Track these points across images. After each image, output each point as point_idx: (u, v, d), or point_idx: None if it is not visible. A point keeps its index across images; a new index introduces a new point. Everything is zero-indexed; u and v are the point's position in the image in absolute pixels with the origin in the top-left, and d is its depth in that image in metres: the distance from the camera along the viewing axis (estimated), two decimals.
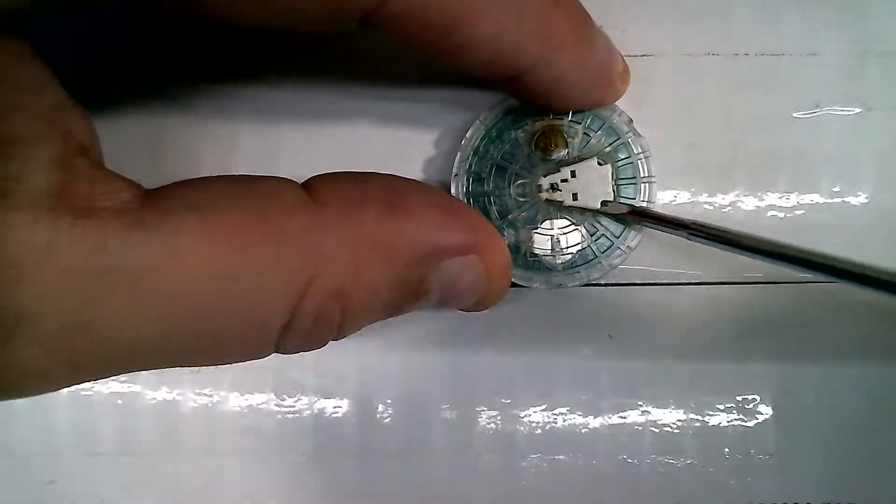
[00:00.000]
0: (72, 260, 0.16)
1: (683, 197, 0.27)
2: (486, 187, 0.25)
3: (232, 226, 0.18)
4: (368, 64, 0.27)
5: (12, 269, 0.16)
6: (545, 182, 0.25)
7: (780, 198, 0.27)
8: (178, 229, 0.17)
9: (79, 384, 0.19)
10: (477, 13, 0.20)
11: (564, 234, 0.25)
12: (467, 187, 0.25)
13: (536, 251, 0.25)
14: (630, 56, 0.26)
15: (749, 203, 0.27)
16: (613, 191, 0.25)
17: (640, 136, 0.25)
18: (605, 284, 0.27)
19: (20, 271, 0.16)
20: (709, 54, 0.27)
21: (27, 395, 0.18)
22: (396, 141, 0.27)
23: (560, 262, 0.25)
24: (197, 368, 0.28)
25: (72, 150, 0.18)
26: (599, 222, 0.25)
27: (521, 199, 0.25)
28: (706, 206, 0.27)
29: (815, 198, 0.27)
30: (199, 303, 0.18)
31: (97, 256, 0.17)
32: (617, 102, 0.25)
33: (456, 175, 0.26)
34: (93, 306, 0.17)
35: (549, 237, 0.25)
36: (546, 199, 0.25)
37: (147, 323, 0.17)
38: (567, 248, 0.25)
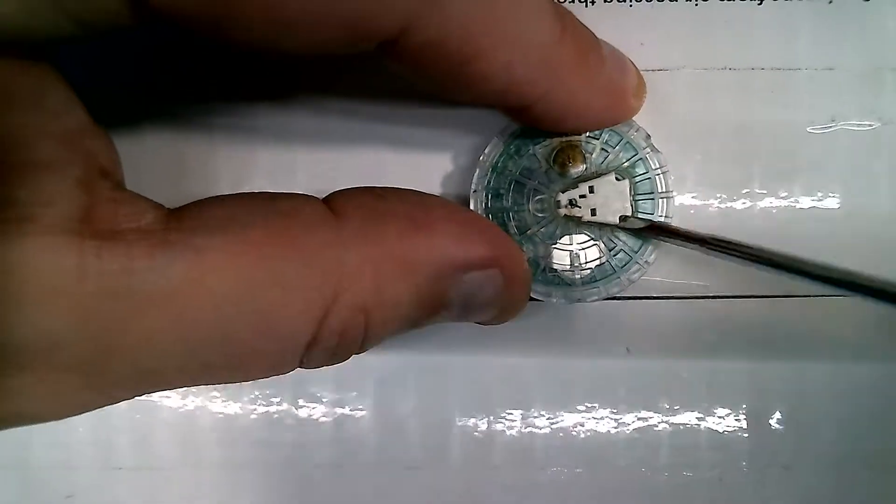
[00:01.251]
0: (100, 283, 0.16)
1: (699, 210, 0.27)
2: (504, 203, 0.25)
3: (255, 243, 0.18)
4: (386, 80, 0.27)
5: (44, 293, 0.16)
6: (563, 198, 0.25)
7: (795, 212, 0.27)
8: (203, 249, 0.18)
9: (104, 406, 0.19)
10: (492, 46, 0.20)
11: (583, 249, 0.25)
12: (486, 203, 0.25)
13: (555, 266, 0.25)
14: (647, 70, 0.26)
15: (765, 216, 0.27)
16: (632, 206, 0.25)
17: (657, 151, 0.25)
18: (623, 298, 0.27)
19: (51, 295, 0.16)
20: (725, 69, 0.27)
21: (57, 419, 0.18)
22: (414, 157, 0.27)
23: (579, 277, 0.25)
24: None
25: (95, 174, 0.18)
26: (618, 237, 0.25)
27: (540, 215, 0.25)
28: (722, 219, 0.27)
29: (831, 212, 0.27)
30: (225, 322, 0.18)
31: (125, 279, 0.17)
32: (634, 117, 0.25)
33: (475, 191, 0.26)
34: (121, 329, 0.17)
35: (568, 252, 0.25)
36: (564, 215, 0.25)
37: (174, 344, 0.18)
38: (586, 263, 0.25)
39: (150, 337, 0.17)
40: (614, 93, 0.24)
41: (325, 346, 0.20)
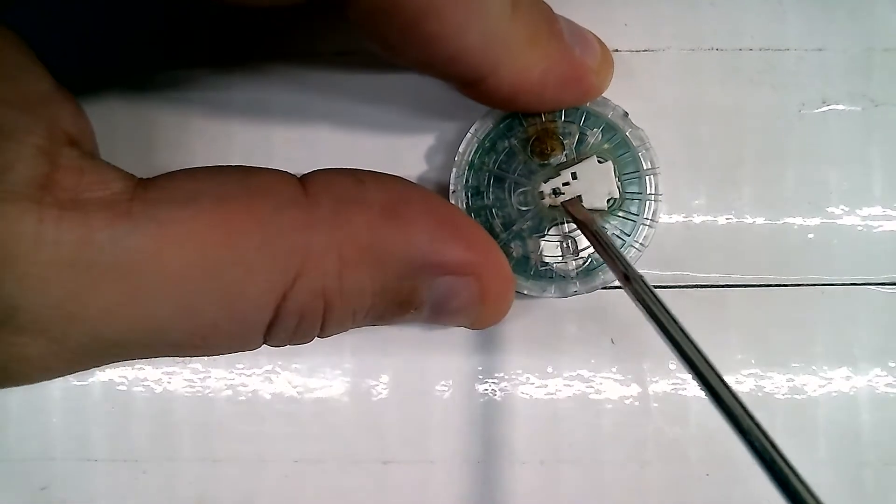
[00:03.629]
0: (57, 252, 0.16)
1: (688, 193, 0.27)
2: (485, 200, 0.25)
3: (219, 219, 0.18)
4: (360, 80, 0.27)
5: (2, 259, 0.16)
6: (546, 187, 0.24)
7: (786, 194, 0.27)
8: (165, 223, 0.17)
9: (73, 373, 0.19)
10: (445, 5, 0.19)
11: (573, 238, 0.24)
12: (467, 202, 0.25)
13: (547, 259, 0.24)
14: (632, 51, 0.26)
15: (755, 199, 0.27)
16: (618, 187, 0.24)
17: (637, 128, 0.25)
18: (606, 288, 0.26)
19: (9, 262, 0.16)
20: (712, 49, 0.26)
21: (22, 384, 0.19)
22: (390, 157, 0.27)
23: (573, 267, 0.24)
24: (191, 360, 0.28)
25: (59, 142, 0.18)
26: (608, 222, 0.24)
27: (524, 209, 0.24)
28: (711, 202, 0.27)
29: (823, 194, 0.27)
30: (185, 297, 0.18)
31: (83, 250, 0.17)
32: (615, 97, 0.25)
33: (454, 191, 0.25)
34: (79, 298, 0.17)
35: (558, 243, 0.24)
36: (549, 205, 0.24)
37: (133, 316, 0.18)
38: (579, 251, 0.24)
39: (109, 308, 0.17)
40: (572, 69, 0.23)
41: (285, 327, 0.20)
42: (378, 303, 0.21)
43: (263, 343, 0.20)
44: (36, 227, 0.16)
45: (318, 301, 0.19)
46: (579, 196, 0.24)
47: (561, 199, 0.24)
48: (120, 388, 0.28)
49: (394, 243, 0.20)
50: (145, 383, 0.28)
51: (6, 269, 0.16)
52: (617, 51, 0.26)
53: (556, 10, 0.23)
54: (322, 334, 0.21)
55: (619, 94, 0.25)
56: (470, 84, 0.22)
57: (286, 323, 0.19)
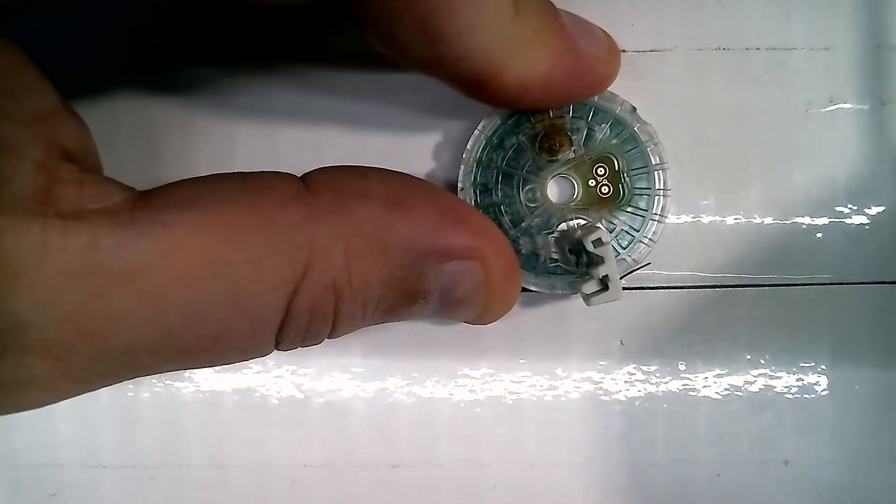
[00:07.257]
0: (65, 261, 0.16)
1: (696, 193, 0.27)
2: (494, 197, 0.25)
3: (224, 219, 0.18)
4: (366, 80, 0.27)
5: (6, 272, 0.16)
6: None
7: (794, 193, 0.26)
8: (170, 225, 0.17)
9: (79, 395, 0.19)
10: (454, 3, 0.20)
11: None
12: (475, 199, 0.25)
13: (555, 256, 0.24)
14: (639, 51, 0.26)
15: (763, 199, 0.27)
16: (628, 182, 0.24)
17: (646, 123, 0.25)
18: None
19: (14, 275, 0.16)
20: (720, 49, 0.26)
21: (28, 409, 0.18)
22: (397, 155, 0.27)
23: (584, 260, 0.24)
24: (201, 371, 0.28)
25: (56, 156, 0.18)
26: (617, 217, 0.24)
27: (532, 205, 0.24)
28: (718, 202, 0.27)
29: (831, 193, 0.26)
30: (195, 299, 0.18)
31: (90, 257, 0.16)
32: (622, 96, 0.25)
33: (462, 189, 0.25)
34: (88, 308, 0.17)
35: None
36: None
37: (144, 322, 0.17)
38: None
39: (119, 316, 0.17)
40: (578, 62, 0.23)
41: (296, 325, 0.19)
42: (386, 294, 0.20)
43: (276, 347, 0.20)
44: (40, 238, 0.16)
45: (329, 294, 0.19)
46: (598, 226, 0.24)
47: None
48: (128, 394, 0.28)
49: (398, 231, 0.20)
50: (153, 389, 0.28)
51: (12, 282, 0.16)
52: (624, 51, 0.26)
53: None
54: (333, 333, 0.21)
55: (626, 94, 0.25)
56: (475, 85, 0.22)
57: (298, 320, 0.19)
